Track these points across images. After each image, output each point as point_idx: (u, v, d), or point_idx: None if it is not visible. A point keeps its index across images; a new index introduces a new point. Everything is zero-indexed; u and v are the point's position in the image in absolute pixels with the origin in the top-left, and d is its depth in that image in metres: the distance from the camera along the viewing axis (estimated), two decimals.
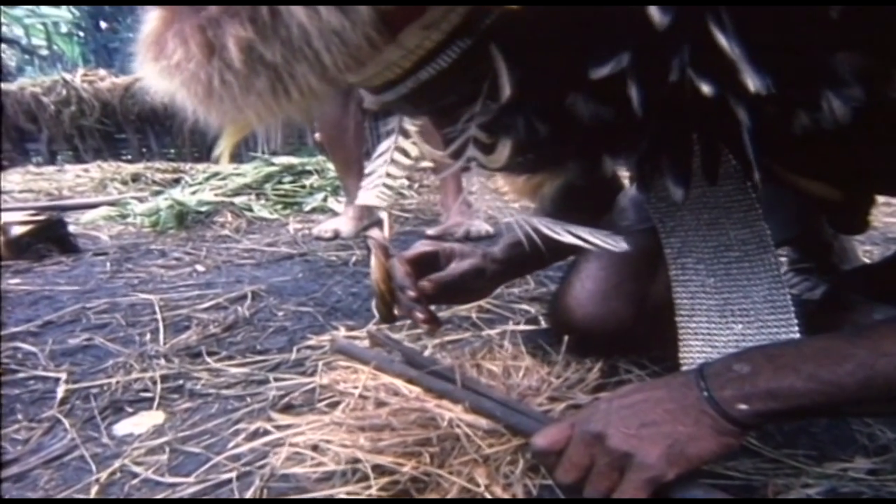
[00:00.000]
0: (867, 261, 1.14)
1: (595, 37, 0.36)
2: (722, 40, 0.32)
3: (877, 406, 0.42)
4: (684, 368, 0.56)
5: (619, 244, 0.47)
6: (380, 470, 0.53)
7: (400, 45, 0.35)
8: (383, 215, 0.65)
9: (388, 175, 0.52)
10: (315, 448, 0.57)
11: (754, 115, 0.36)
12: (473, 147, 0.42)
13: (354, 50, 0.32)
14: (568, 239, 0.47)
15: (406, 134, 0.52)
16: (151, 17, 0.35)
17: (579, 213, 0.78)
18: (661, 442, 0.42)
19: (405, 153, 0.52)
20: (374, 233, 0.63)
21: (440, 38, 0.35)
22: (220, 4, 0.31)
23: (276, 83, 0.33)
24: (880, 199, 1.03)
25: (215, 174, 2.49)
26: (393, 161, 0.52)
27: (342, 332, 0.95)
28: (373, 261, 0.61)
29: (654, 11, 0.32)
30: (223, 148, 0.41)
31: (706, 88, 0.34)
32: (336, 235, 1.70)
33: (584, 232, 0.47)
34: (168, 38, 0.33)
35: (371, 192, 0.51)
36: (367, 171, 0.54)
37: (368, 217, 1.62)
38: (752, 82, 0.32)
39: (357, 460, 0.53)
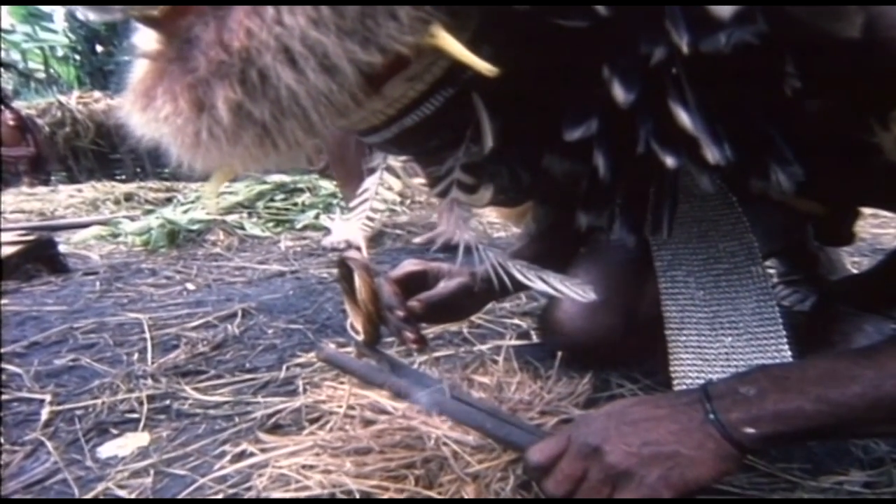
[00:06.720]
0: (855, 271, 1.14)
1: (570, 98, 0.37)
2: (683, 117, 0.34)
3: (883, 427, 0.42)
4: (676, 382, 0.56)
5: (587, 294, 0.48)
6: (364, 494, 0.52)
7: (384, 96, 0.36)
8: (359, 238, 0.65)
9: (373, 209, 0.53)
10: (299, 472, 0.55)
11: (713, 177, 0.38)
12: (457, 189, 0.43)
13: (341, 108, 0.33)
14: (539, 286, 0.48)
15: (391, 170, 0.53)
16: (140, 67, 0.35)
17: (565, 234, 0.79)
18: (661, 463, 0.42)
19: (390, 188, 0.53)
20: (354, 253, 0.62)
21: (423, 88, 0.36)
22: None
23: (264, 137, 0.33)
24: (867, 210, 1.04)
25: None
26: (377, 196, 0.53)
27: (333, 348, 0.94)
28: (358, 281, 0.60)
29: (618, 90, 0.33)
30: (210, 189, 0.41)
31: (670, 161, 0.35)
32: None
33: (556, 280, 0.48)
34: (157, 94, 0.33)
35: (354, 226, 0.53)
36: (352, 203, 0.55)
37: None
38: (711, 155, 0.34)
39: (341, 485, 0.52)
